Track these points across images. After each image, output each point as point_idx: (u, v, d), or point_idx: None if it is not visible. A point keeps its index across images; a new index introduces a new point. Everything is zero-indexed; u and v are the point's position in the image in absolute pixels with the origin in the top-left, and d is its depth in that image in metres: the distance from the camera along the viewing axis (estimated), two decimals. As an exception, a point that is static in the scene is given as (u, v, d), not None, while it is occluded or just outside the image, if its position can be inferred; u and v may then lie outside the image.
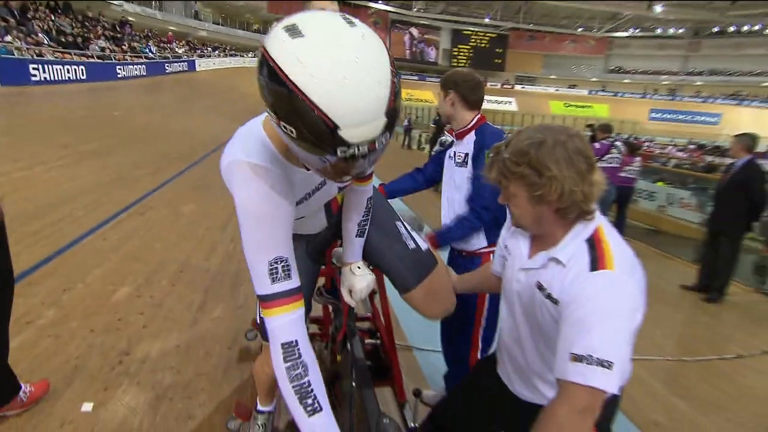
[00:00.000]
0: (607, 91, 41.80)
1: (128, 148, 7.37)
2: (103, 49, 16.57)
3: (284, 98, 0.68)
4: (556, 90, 42.06)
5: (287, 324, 0.88)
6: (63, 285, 2.87)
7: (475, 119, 1.88)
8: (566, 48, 42.20)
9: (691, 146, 22.67)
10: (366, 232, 1.36)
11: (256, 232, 0.89)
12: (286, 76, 0.67)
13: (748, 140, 4.15)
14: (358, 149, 0.70)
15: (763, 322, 3.98)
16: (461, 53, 40.74)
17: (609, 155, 5.87)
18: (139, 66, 17.71)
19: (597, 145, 6.03)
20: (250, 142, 0.93)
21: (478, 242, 1.88)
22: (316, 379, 0.86)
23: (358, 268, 1.35)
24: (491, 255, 1.80)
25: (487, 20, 39.49)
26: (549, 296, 1.01)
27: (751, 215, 4.19)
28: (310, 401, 0.84)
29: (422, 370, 2.51)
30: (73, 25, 16.90)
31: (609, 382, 0.86)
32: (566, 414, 0.88)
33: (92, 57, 15.34)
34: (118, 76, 15.95)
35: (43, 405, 1.86)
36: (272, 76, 0.68)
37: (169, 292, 3.01)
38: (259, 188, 0.89)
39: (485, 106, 2.02)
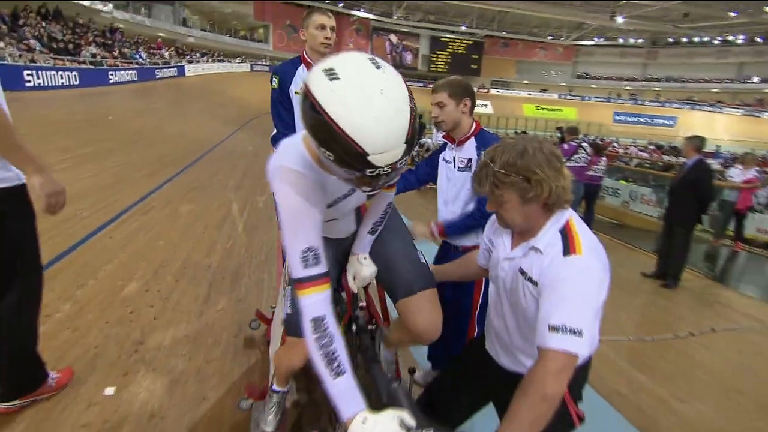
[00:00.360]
0: (575, 95, 42.53)
1: (125, 151, 7.29)
2: (94, 56, 16.19)
3: (323, 128, 0.80)
4: (529, 94, 42.57)
5: (316, 302, 0.98)
6: (76, 281, 2.89)
7: (474, 125, 1.93)
8: (537, 54, 42.76)
9: (651, 147, 23.30)
10: (378, 231, 1.45)
11: (292, 225, 1.00)
12: (325, 111, 0.79)
13: (698, 142, 4.39)
14: (383, 169, 0.82)
15: (712, 304, 4.24)
16: (440, 59, 40.91)
17: (576, 155, 6.08)
18: (131, 72, 17.36)
19: (565, 146, 6.25)
20: (292, 152, 1.05)
21: (476, 239, 1.93)
22: (340, 347, 0.96)
23: (365, 258, 1.45)
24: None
25: (463, 28, 39.71)
26: (530, 279, 1.12)
27: (700, 209, 4.43)
28: (335, 365, 0.93)
29: (412, 352, 2.63)
30: (64, 31, 16.47)
31: (580, 347, 0.98)
32: (545, 374, 0.99)
33: (84, 63, 14.99)
34: (110, 81, 15.62)
35: (69, 390, 1.92)
36: (313, 110, 0.81)
37: (175, 287, 3.06)
38: (296, 189, 1.00)
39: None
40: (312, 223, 1.01)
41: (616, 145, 22.88)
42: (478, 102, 1.99)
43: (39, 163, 1.51)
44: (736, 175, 6.59)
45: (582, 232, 1.12)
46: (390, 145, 0.81)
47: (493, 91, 41.41)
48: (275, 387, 1.76)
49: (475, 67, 41.70)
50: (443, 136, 2.06)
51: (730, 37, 35.27)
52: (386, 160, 0.82)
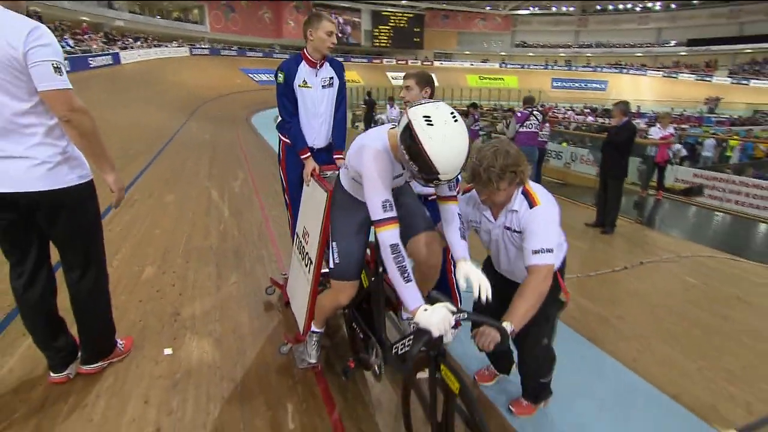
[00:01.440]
0: (515, 63, 44.02)
1: (85, 147, 7.11)
2: (15, 45, 14.85)
3: (416, 151, 1.34)
4: (471, 65, 43.55)
5: (392, 234, 1.44)
6: (96, 270, 3.11)
7: None
8: (477, 25, 43.65)
9: (586, 110, 24.84)
10: (465, 236, 1.68)
11: (376, 184, 1.46)
12: (420, 142, 1.33)
13: (623, 106, 5.07)
14: (442, 182, 1.41)
15: (641, 244, 5.02)
16: (382, 33, 40.71)
17: (528, 121, 6.72)
18: (61, 61, 16.11)
19: (518, 114, 6.91)
20: (378, 139, 1.53)
21: None
22: (408, 264, 1.42)
23: (472, 262, 1.64)
24: None
25: (403, 2, 39.67)
26: (515, 231, 1.69)
27: (624, 162, 5.14)
28: (405, 275, 1.39)
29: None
30: (-23, 19, 14.93)
31: (553, 259, 1.56)
32: (535, 280, 1.55)
33: (7, 54, 13.74)
34: (40, 72, 14.46)
35: (134, 353, 2.26)
36: (412, 139, 1.34)
37: (187, 268, 3.35)
38: (380, 161, 1.49)
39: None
40: (387, 184, 1.49)
41: (555, 110, 24.15)
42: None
43: (112, 163, 1.82)
44: (655, 133, 7.52)
45: (536, 189, 1.70)
46: (453, 170, 1.37)
47: (436, 63, 41.88)
48: (314, 329, 2.20)
49: (417, 40, 41.91)
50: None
51: (649, 4, 37.75)
52: (448, 177, 1.39)
